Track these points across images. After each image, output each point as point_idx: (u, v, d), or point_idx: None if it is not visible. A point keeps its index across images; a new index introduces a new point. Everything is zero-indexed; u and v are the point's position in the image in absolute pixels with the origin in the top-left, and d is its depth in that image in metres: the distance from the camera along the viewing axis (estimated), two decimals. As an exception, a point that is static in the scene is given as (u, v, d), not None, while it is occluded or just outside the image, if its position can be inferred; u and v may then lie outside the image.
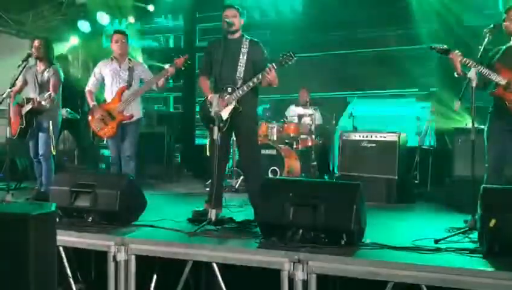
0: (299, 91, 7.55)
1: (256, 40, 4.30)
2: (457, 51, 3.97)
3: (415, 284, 2.75)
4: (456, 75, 4.03)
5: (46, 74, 5.22)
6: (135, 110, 4.95)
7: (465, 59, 3.92)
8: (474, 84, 3.73)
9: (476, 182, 3.73)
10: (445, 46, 4.05)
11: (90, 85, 5.06)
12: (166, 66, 4.83)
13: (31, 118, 5.12)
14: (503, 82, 3.91)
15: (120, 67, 4.99)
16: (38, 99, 4.91)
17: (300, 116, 7.15)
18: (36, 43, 5.20)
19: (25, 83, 5.32)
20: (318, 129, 7.29)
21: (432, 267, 2.76)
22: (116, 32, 5.11)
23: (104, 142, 5.15)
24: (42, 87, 5.19)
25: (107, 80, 5.00)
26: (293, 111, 7.47)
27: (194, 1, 8.85)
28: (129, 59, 5.06)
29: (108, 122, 4.83)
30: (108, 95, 4.99)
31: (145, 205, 4.18)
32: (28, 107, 5.08)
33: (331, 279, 3.05)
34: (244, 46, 4.21)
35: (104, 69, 5.03)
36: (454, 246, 3.19)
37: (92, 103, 4.97)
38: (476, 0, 7.01)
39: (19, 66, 4.93)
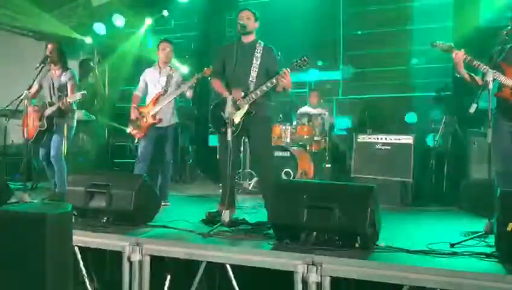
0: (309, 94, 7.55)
1: (270, 46, 4.29)
2: (462, 50, 3.81)
3: (430, 288, 2.72)
4: (458, 75, 3.93)
5: (63, 78, 5.29)
6: (169, 115, 5.15)
7: (469, 58, 3.79)
8: (491, 86, 3.65)
9: (492, 185, 3.69)
10: (449, 44, 3.88)
11: (137, 90, 5.29)
12: (197, 74, 4.97)
13: (51, 121, 5.20)
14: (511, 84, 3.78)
15: (160, 74, 5.19)
16: (68, 100, 5.05)
17: (310, 117, 7.09)
18: (50, 47, 5.26)
19: (40, 87, 5.38)
20: (332, 130, 7.23)
21: (448, 271, 2.74)
22: (164, 40, 5.29)
23: (135, 141, 5.38)
24: (60, 90, 5.25)
25: (149, 85, 5.23)
26: (304, 111, 7.41)
27: (209, 3, 8.89)
28: (170, 67, 5.23)
29: (140, 123, 5.07)
30: (149, 99, 5.19)
31: (159, 206, 4.23)
32: (54, 108, 5.14)
33: (345, 282, 3.04)
34: (258, 51, 4.21)
35: (148, 76, 5.26)
36: (470, 250, 3.15)
37: (132, 105, 5.18)
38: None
39: (36, 68, 5.01)
